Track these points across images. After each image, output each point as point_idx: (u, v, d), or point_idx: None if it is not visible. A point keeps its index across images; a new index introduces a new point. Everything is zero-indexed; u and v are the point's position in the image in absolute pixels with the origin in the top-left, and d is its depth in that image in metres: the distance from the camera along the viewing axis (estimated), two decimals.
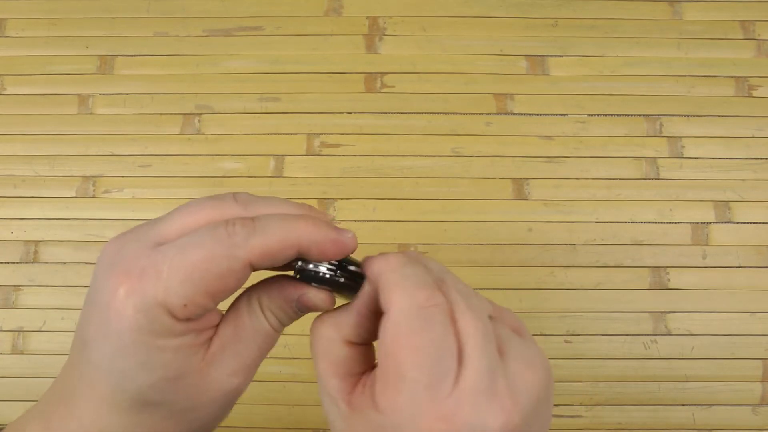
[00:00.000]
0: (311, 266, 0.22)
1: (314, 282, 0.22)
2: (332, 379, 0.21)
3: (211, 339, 0.22)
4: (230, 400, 0.23)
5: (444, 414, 0.18)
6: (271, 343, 0.23)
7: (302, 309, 0.23)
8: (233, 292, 0.21)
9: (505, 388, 0.19)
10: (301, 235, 0.21)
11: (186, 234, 0.20)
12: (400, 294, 0.20)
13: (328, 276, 0.22)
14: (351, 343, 0.22)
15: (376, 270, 0.21)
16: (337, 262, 0.22)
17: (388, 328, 0.19)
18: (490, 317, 0.21)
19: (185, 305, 0.20)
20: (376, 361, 0.22)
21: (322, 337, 0.22)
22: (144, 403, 0.21)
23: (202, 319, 0.21)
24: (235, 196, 0.22)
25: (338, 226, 0.22)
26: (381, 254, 0.22)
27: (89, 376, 0.21)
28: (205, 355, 0.21)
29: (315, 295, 0.23)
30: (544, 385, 0.20)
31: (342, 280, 0.22)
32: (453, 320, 0.20)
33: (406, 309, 0.19)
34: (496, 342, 0.20)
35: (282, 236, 0.20)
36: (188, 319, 0.20)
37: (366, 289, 0.22)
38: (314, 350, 0.22)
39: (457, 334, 0.19)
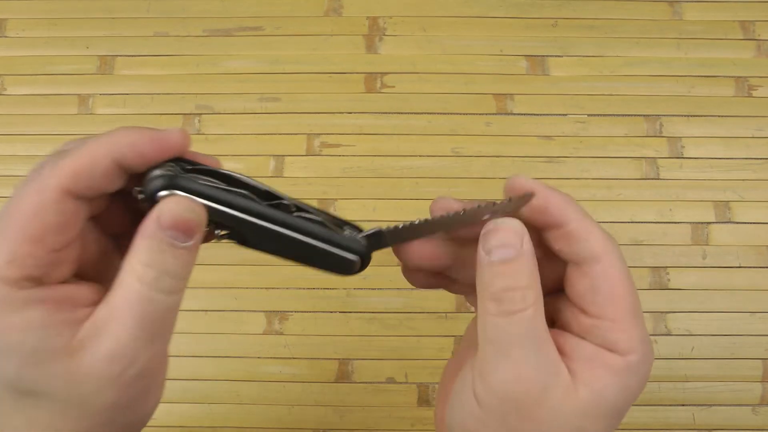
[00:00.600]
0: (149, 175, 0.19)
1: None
2: (552, 345, 0.20)
3: (82, 321, 0.18)
4: (128, 389, 0.19)
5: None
6: (167, 311, 0.19)
7: (178, 235, 0.19)
8: (67, 234, 0.19)
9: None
10: (113, 141, 0.19)
11: None
12: (611, 245, 0.20)
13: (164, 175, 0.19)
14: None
15: (560, 210, 0.20)
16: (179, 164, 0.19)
17: (614, 271, 0.20)
18: None
19: (11, 261, 0.17)
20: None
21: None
22: (16, 390, 0.18)
23: (52, 288, 0.18)
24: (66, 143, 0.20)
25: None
26: (547, 189, 0.21)
27: None
28: (73, 337, 0.18)
29: (169, 208, 0.19)
30: None
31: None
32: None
33: (620, 258, 0.20)
34: None
35: (92, 149, 0.18)
36: (28, 280, 0.18)
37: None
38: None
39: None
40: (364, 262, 0.22)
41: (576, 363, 0.20)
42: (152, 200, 0.19)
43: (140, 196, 0.19)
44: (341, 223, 0.23)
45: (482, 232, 0.21)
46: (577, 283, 0.20)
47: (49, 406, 0.18)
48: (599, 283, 0.19)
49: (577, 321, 0.20)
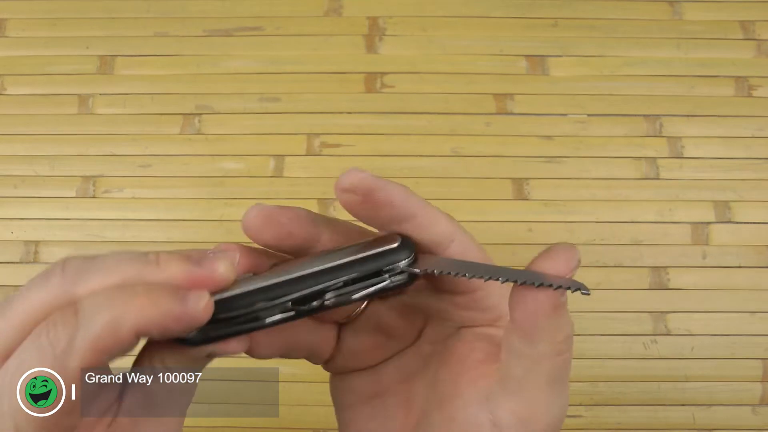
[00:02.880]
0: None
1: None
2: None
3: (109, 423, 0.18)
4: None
5: None
6: (191, 396, 0.20)
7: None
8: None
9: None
10: (135, 318, 0.16)
11: (8, 346, 0.16)
12: (455, 224, 0.19)
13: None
14: None
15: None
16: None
17: (470, 247, 0.19)
18: None
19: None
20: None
21: None
22: None
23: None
24: (64, 265, 0.17)
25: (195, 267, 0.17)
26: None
27: None
28: None
29: (227, 346, 0.18)
30: None
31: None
32: None
33: (469, 237, 0.19)
34: None
35: (111, 326, 0.16)
36: None
37: None
38: None
39: None
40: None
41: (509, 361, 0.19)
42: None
43: None
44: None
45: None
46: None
47: None
48: (462, 256, 0.18)
49: (458, 303, 0.19)
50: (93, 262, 0.17)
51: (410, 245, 0.18)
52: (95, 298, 0.16)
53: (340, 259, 0.18)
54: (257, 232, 0.18)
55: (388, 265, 0.18)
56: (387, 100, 0.50)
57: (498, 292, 0.19)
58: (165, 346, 0.18)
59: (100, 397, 0.18)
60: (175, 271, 0.17)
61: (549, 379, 0.19)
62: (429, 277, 0.19)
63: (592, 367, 0.45)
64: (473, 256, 0.19)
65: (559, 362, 0.18)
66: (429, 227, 0.18)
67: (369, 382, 0.21)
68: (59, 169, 0.49)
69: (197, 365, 0.19)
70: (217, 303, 0.17)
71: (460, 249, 0.18)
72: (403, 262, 0.18)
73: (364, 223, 0.19)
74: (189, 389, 0.19)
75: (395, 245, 0.18)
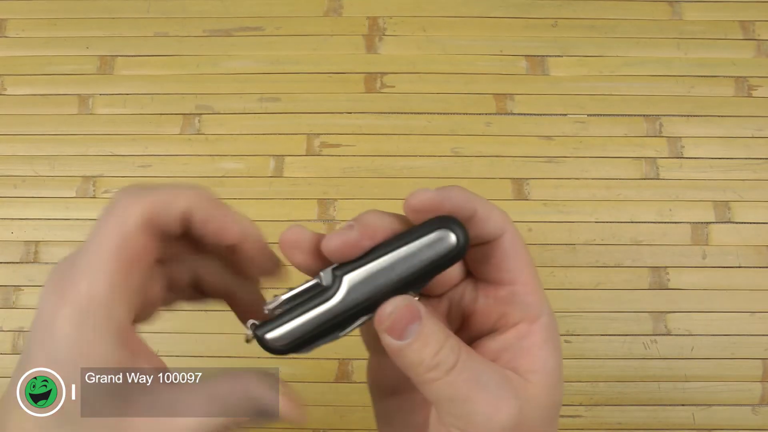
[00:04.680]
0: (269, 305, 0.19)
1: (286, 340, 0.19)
2: (491, 365, 0.20)
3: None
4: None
5: None
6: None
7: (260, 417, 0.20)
8: (144, 268, 0.19)
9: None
10: (189, 193, 0.19)
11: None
12: (507, 219, 0.21)
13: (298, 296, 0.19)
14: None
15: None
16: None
17: (519, 243, 0.20)
18: None
19: (112, 289, 0.18)
20: None
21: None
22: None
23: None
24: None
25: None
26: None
27: None
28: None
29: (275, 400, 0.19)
30: None
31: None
32: None
33: (519, 234, 0.21)
34: None
35: (168, 191, 0.19)
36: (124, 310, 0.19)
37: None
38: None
39: None
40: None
41: (514, 360, 0.20)
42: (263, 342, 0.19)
43: (249, 333, 0.20)
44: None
45: (378, 327, 0.20)
46: (493, 256, 0.20)
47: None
48: (510, 248, 0.20)
49: (496, 296, 0.21)
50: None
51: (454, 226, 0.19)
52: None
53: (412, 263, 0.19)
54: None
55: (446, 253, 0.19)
56: (387, 100, 0.50)
57: (538, 291, 0.20)
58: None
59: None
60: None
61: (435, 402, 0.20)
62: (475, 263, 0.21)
63: (592, 367, 0.45)
64: (520, 248, 0.20)
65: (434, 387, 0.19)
66: (486, 222, 0.20)
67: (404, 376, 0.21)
68: (59, 169, 0.49)
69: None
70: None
71: (510, 239, 0.20)
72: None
73: None
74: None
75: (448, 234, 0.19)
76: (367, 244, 0.19)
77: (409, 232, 0.19)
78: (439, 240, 0.19)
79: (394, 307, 0.19)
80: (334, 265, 0.19)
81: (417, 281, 0.19)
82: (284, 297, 0.19)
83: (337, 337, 0.20)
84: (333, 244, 0.19)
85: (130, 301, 0.19)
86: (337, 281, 0.19)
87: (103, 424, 0.19)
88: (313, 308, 0.19)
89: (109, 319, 0.18)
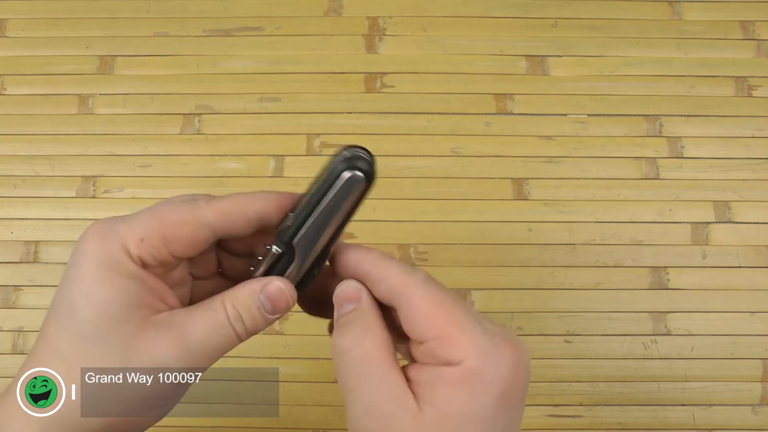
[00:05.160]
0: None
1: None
2: (396, 367, 0.22)
3: (160, 312, 0.22)
4: (159, 382, 0.22)
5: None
6: (225, 343, 0.23)
7: (267, 305, 0.23)
8: (188, 253, 0.22)
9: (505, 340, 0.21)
10: (257, 200, 0.23)
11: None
12: (407, 276, 0.22)
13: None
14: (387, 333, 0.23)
15: (395, 288, 0.22)
16: None
17: (417, 301, 0.22)
18: None
19: (141, 240, 0.21)
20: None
21: (362, 339, 0.22)
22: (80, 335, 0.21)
23: (151, 276, 0.22)
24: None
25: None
26: (374, 255, 0.23)
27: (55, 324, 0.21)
28: (150, 316, 0.22)
29: (277, 285, 0.23)
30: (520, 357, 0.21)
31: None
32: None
33: (422, 288, 0.22)
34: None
35: (240, 202, 0.22)
36: (142, 263, 0.22)
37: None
38: (358, 358, 0.22)
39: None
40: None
41: (420, 387, 0.21)
42: (290, 248, 0.23)
43: (274, 249, 0.23)
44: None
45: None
46: (399, 320, 0.22)
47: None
48: (408, 312, 0.22)
49: (418, 351, 0.22)
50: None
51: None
52: (230, 194, 0.23)
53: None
54: None
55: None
56: (387, 100, 0.50)
57: (455, 338, 0.21)
58: (230, 290, 0.23)
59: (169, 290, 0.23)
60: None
61: None
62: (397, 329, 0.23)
63: (592, 367, 0.45)
64: (420, 306, 0.21)
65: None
66: (379, 284, 0.22)
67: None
68: (59, 169, 0.49)
69: (249, 312, 0.23)
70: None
71: (406, 302, 0.22)
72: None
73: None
74: (221, 330, 0.23)
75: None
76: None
77: (322, 181, 0.22)
78: (350, 181, 0.21)
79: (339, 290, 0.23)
80: (277, 234, 0.23)
81: (346, 220, 0.22)
82: (259, 271, 0.24)
83: (315, 277, 0.24)
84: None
85: (155, 259, 0.22)
86: (289, 248, 0.23)
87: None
88: (285, 271, 0.23)
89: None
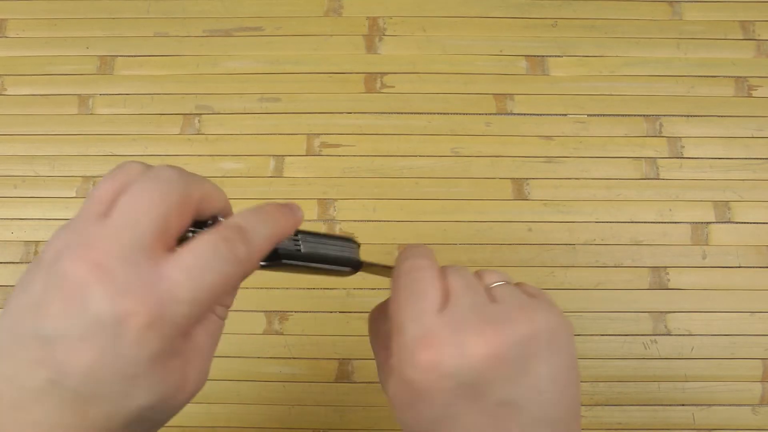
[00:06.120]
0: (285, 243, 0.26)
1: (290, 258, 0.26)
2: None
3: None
4: (189, 399, 0.22)
5: (426, 334, 0.22)
6: (219, 333, 0.23)
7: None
8: (179, 232, 0.21)
9: (488, 322, 0.22)
10: (282, 229, 0.23)
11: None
12: (402, 262, 0.26)
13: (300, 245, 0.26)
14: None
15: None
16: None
17: (392, 287, 0.25)
18: (488, 284, 0.25)
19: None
20: None
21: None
22: (134, 421, 0.20)
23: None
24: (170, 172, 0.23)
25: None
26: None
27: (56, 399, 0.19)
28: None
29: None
30: (542, 328, 0.22)
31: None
32: (443, 278, 0.24)
33: (403, 269, 0.25)
34: (488, 294, 0.24)
35: (269, 237, 0.23)
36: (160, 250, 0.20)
37: None
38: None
39: (445, 286, 0.24)
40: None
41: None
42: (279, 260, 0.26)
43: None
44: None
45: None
46: None
47: (145, 426, 0.20)
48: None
49: None
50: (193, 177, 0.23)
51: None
52: (257, 223, 0.22)
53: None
54: None
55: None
56: (387, 100, 0.50)
57: None
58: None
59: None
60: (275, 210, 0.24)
61: None
62: None
63: (592, 367, 0.45)
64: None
65: None
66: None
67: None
68: (59, 169, 0.49)
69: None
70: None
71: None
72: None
73: None
74: (219, 325, 0.23)
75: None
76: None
77: (340, 237, 0.28)
78: (350, 248, 0.27)
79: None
80: (297, 232, 0.26)
81: (335, 263, 0.27)
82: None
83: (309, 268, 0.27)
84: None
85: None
86: (299, 242, 0.26)
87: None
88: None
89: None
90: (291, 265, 0.26)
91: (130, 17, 0.52)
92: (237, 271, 0.21)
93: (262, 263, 0.24)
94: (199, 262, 0.20)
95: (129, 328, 0.18)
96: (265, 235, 0.22)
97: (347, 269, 0.27)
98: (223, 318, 0.23)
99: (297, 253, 0.25)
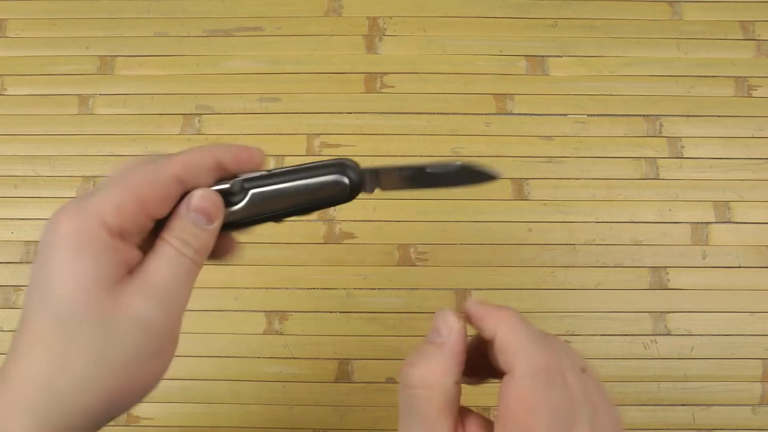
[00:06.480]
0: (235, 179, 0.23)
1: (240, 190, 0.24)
2: (447, 420, 0.22)
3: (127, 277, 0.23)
4: (147, 343, 0.22)
5: None
6: (185, 274, 0.23)
7: (199, 218, 0.23)
8: (162, 210, 0.23)
9: None
10: (215, 149, 0.24)
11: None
12: (523, 358, 0.22)
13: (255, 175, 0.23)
14: (456, 384, 0.23)
15: (493, 325, 0.23)
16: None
17: (513, 389, 0.21)
18: (582, 369, 0.24)
19: (118, 209, 0.21)
20: (470, 408, 0.23)
21: (428, 380, 0.23)
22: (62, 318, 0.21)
23: (125, 244, 0.22)
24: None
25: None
26: (492, 307, 0.23)
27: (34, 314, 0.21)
28: (123, 281, 0.22)
29: (197, 195, 0.23)
30: None
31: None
32: (564, 380, 0.22)
33: (529, 373, 0.21)
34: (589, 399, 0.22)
35: (199, 151, 0.23)
36: (121, 233, 0.22)
37: (474, 338, 0.24)
38: (418, 397, 0.22)
39: (570, 395, 0.22)
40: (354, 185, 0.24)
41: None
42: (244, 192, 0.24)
43: (229, 183, 0.23)
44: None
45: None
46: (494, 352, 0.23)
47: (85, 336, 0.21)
48: (499, 347, 0.23)
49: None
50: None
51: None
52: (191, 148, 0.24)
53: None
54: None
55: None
56: (387, 100, 0.50)
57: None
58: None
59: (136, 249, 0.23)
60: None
61: None
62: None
63: (592, 367, 0.45)
64: (509, 341, 0.22)
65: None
66: (482, 324, 0.24)
67: None
68: (59, 170, 0.49)
69: (184, 229, 0.24)
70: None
71: (498, 339, 0.23)
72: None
73: None
74: (175, 259, 0.23)
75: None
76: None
77: (312, 167, 0.23)
78: (335, 183, 0.23)
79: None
80: (244, 178, 0.23)
81: (306, 210, 0.23)
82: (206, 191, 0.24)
83: (246, 228, 0.24)
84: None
85: (131, 223, 0.22)
86: (243, 192, 0.23)
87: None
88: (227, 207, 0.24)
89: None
90: (251, 221, 0.24)
91: (130, 17, 0.52)
92: (153, 167, 0.22)
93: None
94: (121, 170, 0.23)
95: (58, 225, 0.21)
96: (191, 151, 0.23)
97: (332, 199, 0.24)
98: (191, 258, 0.23)
99: (243, 214, 0.23)
